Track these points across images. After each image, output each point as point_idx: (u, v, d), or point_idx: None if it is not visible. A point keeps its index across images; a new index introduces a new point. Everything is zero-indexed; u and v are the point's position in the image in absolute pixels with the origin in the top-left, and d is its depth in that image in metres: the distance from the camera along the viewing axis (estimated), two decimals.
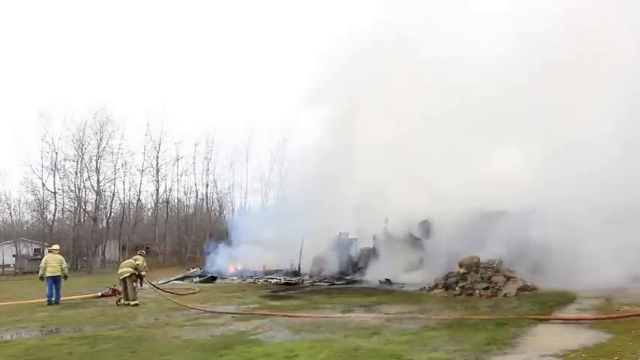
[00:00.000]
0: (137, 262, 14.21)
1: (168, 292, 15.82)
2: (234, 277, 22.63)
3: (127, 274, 13.82)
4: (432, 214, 16.82)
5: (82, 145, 38.78)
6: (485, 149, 17.12)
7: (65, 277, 14.92)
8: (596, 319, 8.35)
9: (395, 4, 22.31)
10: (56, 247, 15.61)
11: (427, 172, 17.07)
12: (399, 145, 19.22)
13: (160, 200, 43.74)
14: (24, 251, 39.92)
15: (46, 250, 15.35)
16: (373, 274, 18.14)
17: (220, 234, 31.48)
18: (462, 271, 14.25)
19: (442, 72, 17.67)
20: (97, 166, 39.38)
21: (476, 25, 18.62)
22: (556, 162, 14.43)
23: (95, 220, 39.77)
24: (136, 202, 43.72)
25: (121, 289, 16.36)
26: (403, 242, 18.00)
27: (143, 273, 14.31)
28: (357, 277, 19.22)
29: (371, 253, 19.74)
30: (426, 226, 17.11)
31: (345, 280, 19.12)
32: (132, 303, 13.35)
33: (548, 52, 15.95)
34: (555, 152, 14.90)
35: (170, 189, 44.42)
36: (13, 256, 39.00)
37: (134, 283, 13.97)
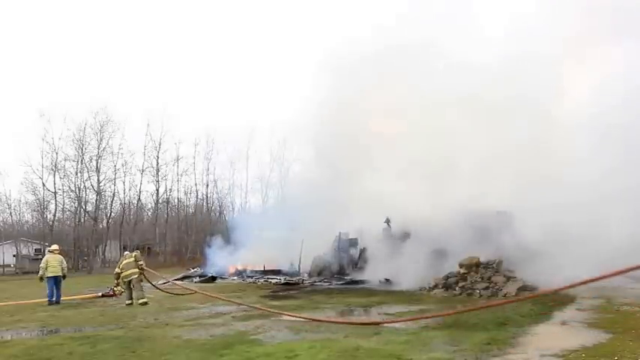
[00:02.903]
0: (139, 262, 14.05)
1: (167, 291, 15.65)
2: (235, 278, 22.62)
3: (135, 276, 13.75)
4: (432, 213, 16.78)
5: (83, 145, 38.91)
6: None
7: (64, 276, 14.97)
8: None
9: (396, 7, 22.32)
10: (56, 247, 15.64)
11: (428, 172, 17.06)
12: (399, 144, 19.20)
13: (160, 200, 43.82)
14: (24, 251, 40.03)
15: (46, 251, 15.37)
16: (373, 274, 18.11)
17: (220, 234, 31.46)
18: (462, 271, 14.25)
19: (442, 79, 17.68)
20: (97, 166, 39.46)
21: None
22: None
23: (95, 220, 39.80)
24: (136, 202, 43.88)
25: (120, 290, 16.31)
26: (404, 241, 17.95)
27: (143, 265, 14.17)
28: (357, 277, 19.20)
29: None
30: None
31: (345, 280, 19.12)
32: (140, 301, 13.27)
33: None
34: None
35: (170, 189, 44.60)
36: (14, 256, 39.10)
37: (141, 283, 13.90)
